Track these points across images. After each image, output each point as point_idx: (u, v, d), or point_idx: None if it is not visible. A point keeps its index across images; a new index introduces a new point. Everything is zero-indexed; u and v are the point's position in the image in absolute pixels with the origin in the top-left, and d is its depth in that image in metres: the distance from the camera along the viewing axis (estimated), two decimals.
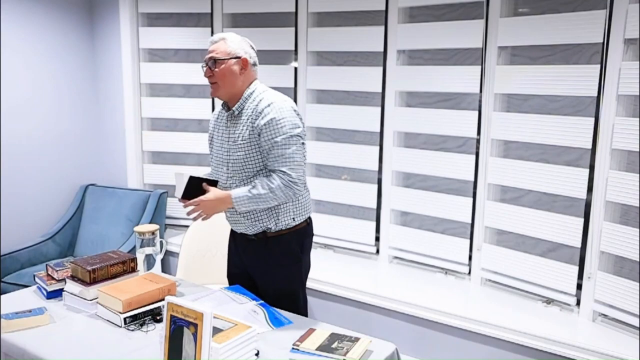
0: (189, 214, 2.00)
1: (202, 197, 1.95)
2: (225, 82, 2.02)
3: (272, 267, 2.11)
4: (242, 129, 2.02)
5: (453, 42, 2.74)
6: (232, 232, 2.25)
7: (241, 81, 2.04)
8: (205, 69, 2.04)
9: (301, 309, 2.18)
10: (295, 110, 2.01)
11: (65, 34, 3.54)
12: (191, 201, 1.96)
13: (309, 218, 2.18)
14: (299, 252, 2.14)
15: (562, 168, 2.49)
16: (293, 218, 2.09)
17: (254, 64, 2.09)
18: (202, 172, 2.20)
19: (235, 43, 2.04)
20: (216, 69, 2.01)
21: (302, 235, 2.15)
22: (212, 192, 1.97)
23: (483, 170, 2.74)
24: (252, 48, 2.10)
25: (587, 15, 2.34)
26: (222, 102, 2.13)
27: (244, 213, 2.05)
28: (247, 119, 2.02)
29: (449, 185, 2.88)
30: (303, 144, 2.01)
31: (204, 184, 1.98)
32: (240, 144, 2.01)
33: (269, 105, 1.98)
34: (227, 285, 2.26)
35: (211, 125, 2.23)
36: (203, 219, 2.01)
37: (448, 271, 2.96)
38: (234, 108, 2.05)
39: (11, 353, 1.75)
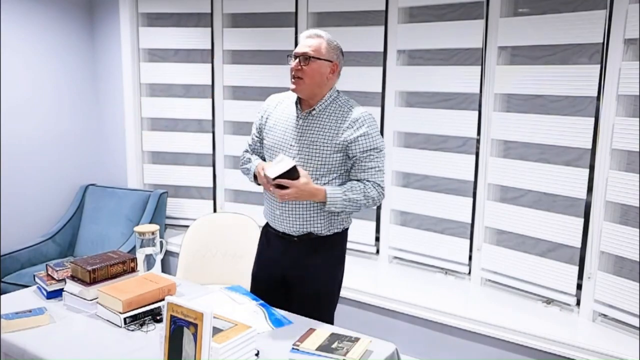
0: (273, 191, 1.89)
1: (297, 183, 1.85)
2: (312, 80, 1.95)
3: (316, 268, 2.07)
4: (325, 132, 1.98)
5: (453, 42, 2.74)
6: (266, 235, 2.19)
7: (325, 84, 2.00)
8: (294, 61, 1.96)
9: (331, 317, 2.17)
10: (377, 124, 2.05)
11: (65, 34, 3.54)
12: (286, 182, 1.85)
13: (349, 224, 2.19)
14: (342, 254, 2.16)
15: (562, 168, 2.49)
16: (342, 225, 2.10)
17: (339, 71, 2.05)
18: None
19: (331, 45, 1.99)
20: (306, 66, 1.94)
21: (342, 240, 2.15)
22: (307, 180, 1.88)
23: (483, 170, 2.74)
24: (342, 54, 2.05)
25: (587, 15, 2.34)
26: (293, 99, 2.06)
27: (300, 214, 2.02)
28: (331, 123, 1.98)
29: (449, 185, 2.88)
30: None
31: (300, 170, 1.89)
32: (322, 146, 1.97)
33: (361, 117, 1.97)
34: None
35: (263, 116, 2.14)
36: (282, 199, 1.91)
37: (448, 271, 2.96)
38: (315, 107, 2.00)
39: (11, 353, 1.75)
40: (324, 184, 1.98)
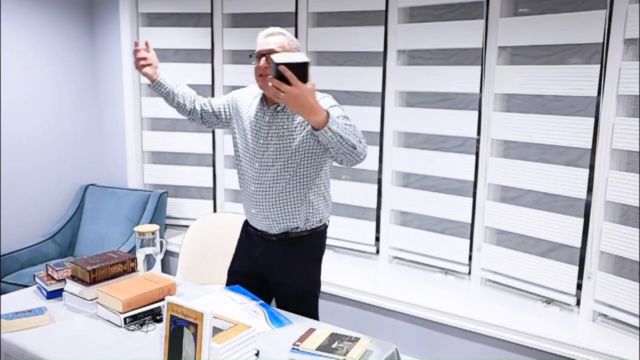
0: (272, 82, 1.64)
1: (304, 85, 1.60)
2: None
3: (294, 267, 2.09)
4: (293, 122, 1.96)
5: (453, 42, 2.74)
6: (246, 233, 2.22)
7: None
8: (260, 60, 1.95)
9: (317, 312, 2.19)
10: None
11: (65, 34, 3.54)
12: (292, 76, 1.59)
13: (328, 220, 2.18)
14: (319, 252, 2.15)
15: (562, 168, 2.49)
16: (320, 219, 2.10)
17: None
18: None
19: (293, 41, 2.00)
20: None
21: (321, 236, 2.15)
22: (313, 91, 1.63)
23: (483, 170, 2.74)
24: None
25: (587, 15, 2.34)
26: (259, 96, 2.07)
27: (276, 210, 2.02)
28: (296, 115, 1.96)
29: (449, 185, 2.88)
30: None
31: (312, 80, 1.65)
32: (289, 141, 1.96)
33: (321, 98, 1.92)
34: (226, 283, 2.26)
35: (233, 104, 2.17)
36: (276, 96, 1.67)
37: (448, 271, 2.96)
38: (280, 103, 1.99)
39: (11, 353, 1.75)
40: (299, 171, 1.99)
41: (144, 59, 2.18)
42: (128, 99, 3.59)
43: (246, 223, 2.22)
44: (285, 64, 1.58)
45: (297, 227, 2.06)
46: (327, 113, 1.66)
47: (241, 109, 2.15)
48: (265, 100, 2.07)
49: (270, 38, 1.98)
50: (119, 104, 3.64)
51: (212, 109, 2.27)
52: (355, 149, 1.77)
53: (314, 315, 2.16)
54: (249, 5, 3.31)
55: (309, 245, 2.10)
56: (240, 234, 2.26)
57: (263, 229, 2.09)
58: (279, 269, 2.11)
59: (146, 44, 2.19)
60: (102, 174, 3.77)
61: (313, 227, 2.08)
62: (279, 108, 2.02)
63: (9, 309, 1.91)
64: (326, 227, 2.17)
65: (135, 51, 2.16)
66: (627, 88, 2.25)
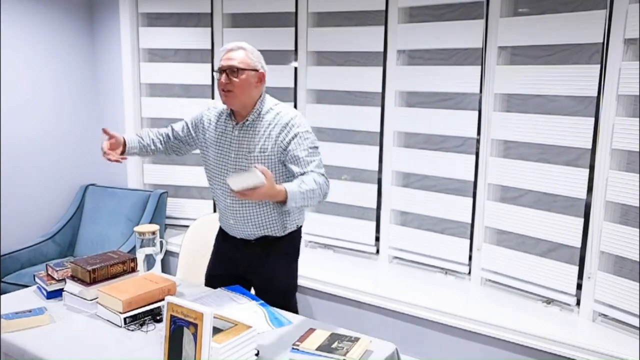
0: (235, 195, 1.79)
1: (260, 190, 1.75)
2: (242, 92, 1.98)
3: (273, 268, 2.16)
4: (261, 141, 2.02)
5: (453, 42, 2.74)
6: (224, 237, 2.26)
7: (255, 93, 2.03)
8: (221, 76, 1.98)
9: (296, 308, 2.26)
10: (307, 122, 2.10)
11: (65, 34, 3.54)
12: (246, 190, 1.74)
13: (303, 222, 2.27)
14: (296, 251, 2.25)
15: (562, 168, 2.49)
16: (297, 225, 2.19)
17: (265, 78, 2.08)
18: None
19: (254, 55, 2.03)
20: (235, 79, 1.97)
21: (297, 237, 2.24)
22: (271, 184, 1.78)
23: (483, 170, 2.74)
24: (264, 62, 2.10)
25: (587, 15, 2.34)
26: (226, 111, 2.11)
27: (254, 221, 2.09)
28: (265, 131, 2.02)
29: (449, 185, 2.88)
30: None
31: (261, 169, 1.80)
32: (258, 155, 2.01)
33: (291, 120, 2.01)
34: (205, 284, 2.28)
35: (201, 126, 2.19)
36: (246, 199, 1.86)
37: (448, 271, 2.96)
38: (248, 118, 2.03)
39: (11, 353, 1.75)
40: (297, 182, 2.00)
41: (112, 149, 2.10)
42: (128, 99, 3.59)
43: (222, 231, 2.27)
44: (240, 190, 1.74)
45: (276, 234, 2.13)
46: (286, 193, 1.82)
47: (209, 127, 2.17)
48: (233, 115, 2.09)
49: (231, 53, 2.01)
50: (119, 104, 3.63)
51: (176, 136, 2.28)
52: (320, 196, 1.95)
53: (294, 312, 2.21)
54: (249, 5, 3.30)
55: (286, 246, 2.19)
56: (216, 239, 2.32)
57: (242, 237, 2.16)
58: (259, 270, 2.17)
59: (104, 131, 2.11)
60: (102, 174, 3.77)
61: (290, 231, 2.16)
62: (247, 123, 2.05)
63: (9, 309, 1.91)
64: (300, 228, 2.25)
65: (105, 153, 2.07)
66: (627, 88, 2.25)
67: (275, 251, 2.15)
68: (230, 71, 1.97)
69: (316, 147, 2.02)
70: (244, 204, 2.07)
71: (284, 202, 1.84)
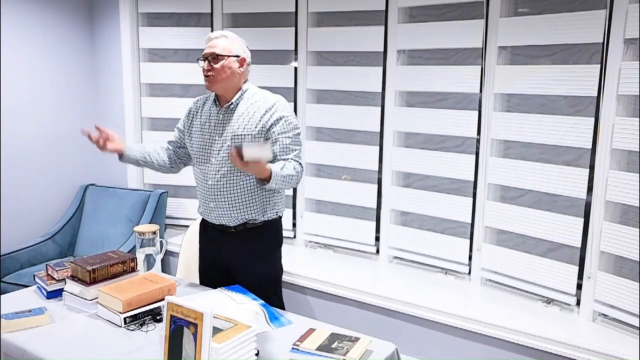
0: (234, 159, 1.91)
1: (256, 162, 1.90)
2: (223, 77, 2.12)
3: (254, 256, 2.21)
4: (244, 122, 2.13)
5: (453, 42, 2.74)
6: (204, 229, 2.32)
7: (237, 78, 2.16)
8: (204, 62, 2.13)
9: (281, 300, 2.30)
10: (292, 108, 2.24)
11: (65, 34, 3.54)
12: (254, 165, 1.89)
13: (282, 212, 2.32)
14: (277, 240, 2.30)
15: (562, 168, 2.49)
16: (276, 212, 2.23)
17: (249, 64, 2.21)
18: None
19: (236, 42, 2.15)
20: (216, 65, 2.10)
21: (277, 226, 2.28)
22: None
23: (483, 170, 2.74)
24: (248, 49, 2.22)
25: (587, 15, 2.34)
26: (212, 98, 2.24)
27: (234, 204, 2.14)
28: (249, 113, 2.13)
29: (449, 185, 2.88)
30: None
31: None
32: (242, 134, 2.12)
33: (275, 103, 2.13)
34: (199, 283, 2.29)
35: (187, 119, 2.32)
36: (240, 167, 1.95)
37: (448, 271, 2.96)
38: (232, 101, 2.15)
39: (11, 353, 1.75)
40: (280, 166, 2.09)
41: (104, 138, 2.19)
42: (128, 99, 3.59)
43: (203, 222, 2.33)
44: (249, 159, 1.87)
45: (255, 219, 2.16)
46: (271, 172, 1.96)
47: (195, 115, 2.29)
48: (217, 100, 2.21)
49: (213, 41, 2.15)
50: (119, 104, 3.64)
51: (176, 144, 2.41)
52: (295, 182, 2.11)
53: (280, 304, 2.28)
54: (249, 5, 3.30)
55: (266, 235, 2.23)
56: (199, 234, 2.37)
57: (222, 222, 2.19)
58: (240, 259, 2.21)
59: (96, 127, 2.22)
60: (102, 174, 3.77)
61: (269, 218, 2.20)
62: (231, 106, 2.16)
63: (9, 309, 1.91)
64: (280, 217, 2.30)
65: (90, 137, 2.18)
66: (627, 88, 2.25)
67: (254, 240, 2.20)
68: (212, 58, 2.11)
69: (298, 134, 2.16)
70: (226, 186, 2.13)
71: (267, 180, 1.98)
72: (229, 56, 2.11)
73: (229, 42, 2.13)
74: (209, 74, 2.12)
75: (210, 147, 2.18)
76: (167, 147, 2.43)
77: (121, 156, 2.25)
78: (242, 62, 2.15)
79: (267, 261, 2.25)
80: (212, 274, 2.30)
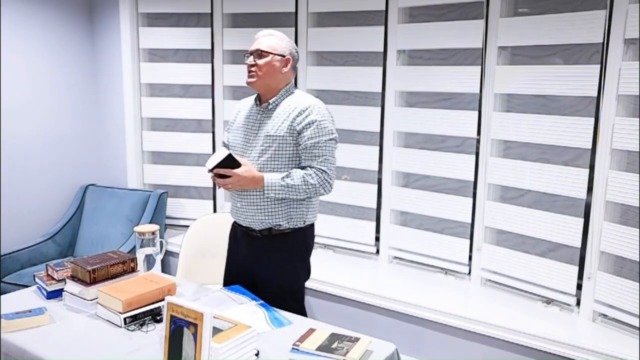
0: (216, 181, 2.03)
1: (236, 171, 1.99)
2: (265, 74, 2.08)
3: (276, 264, 2.13)
4: (278, 123, 2.08)
5: (453, 42, 2.74)
6: (234, 231, 2.27)
7: (280, 78, 2.11)
8: (249, 58, 2.10)
9: (304, 309, 2.21)
10: (331, 115, 2.12)
11: (65, 34, 3.54)
12: (225, 171, 1.98)
13: (314, 220, 2.23)
14: (305, 250, 2.21)
15: (562, 168, 2.49)
16: (304, 221, 2.14)
17: (294, 67, 2.17)
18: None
19: (283, 42, 2.12)
20: (259, 61, 2.07)
21: (306, 235, 2.19)
22: (248, 168, 2.01)
23: (483, 170, 2.74)
24: (296, 52, 2.17)
25: (587, 15, 2.34)
26: (254, 96, 2.19)
27: (259, 206, 2.09)
28: (284, 115, 2.08)
29: (449, 185, 2.88)
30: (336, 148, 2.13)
31: (240, 158, 2.03)
32: (274, 136, 2.06)
33: (310, 106, 2.06)
34: (223, 285, 2.27)
35: (234, 117, 2.27)
36: (225, 188, 2.05)
37: (448, 271, 2.96)
38: (270, 101, 2.11)
39: (11, 353, 1.75)
40: (281, 168, 2.06)
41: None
42: (128, 99, 3.59)
43: (234, 223, 2.28)
44: (217, 166, 1.96)
45: (279, 225, 2.10)
46: (264, 182, 2.00)
47: (238, 115, 2.25)
48: (258, 98, 2.17)
49: (260, 39, 2.12)
50: (119, 104, 3.64)
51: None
52: (309, 197, 2.08)
53: (302, 313, 2.19)
54: (249, 5, 3.30)
55: (292, 243, 2.15)
56: (230, 235, 2.32)
57: (247, 224, 2.15)
58: (262, 265, 2.16)
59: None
60: (102, 174, 3.77)
61: (296, 225, 2.13)
62: (269, 107, 2.12)
63: (9, 309, 1.91)
64: (312, 225, 2.22)
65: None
66: (627, 88, 2.25)
67: (279, 246, 2.13)
68: (256, 54, 2.08)
69: (331, 140, 2.07)
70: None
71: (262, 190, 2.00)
72: (273, 54, 2.08)
73: (276, 40, 2.10)
74: (252, 69, 2.08)
75: (245, 145, 2.14)
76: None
77: None
78: (286, 62, 2.10)
79: (289, 270, 2.16)
80: (236, 277, 2.24)
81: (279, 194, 2.01)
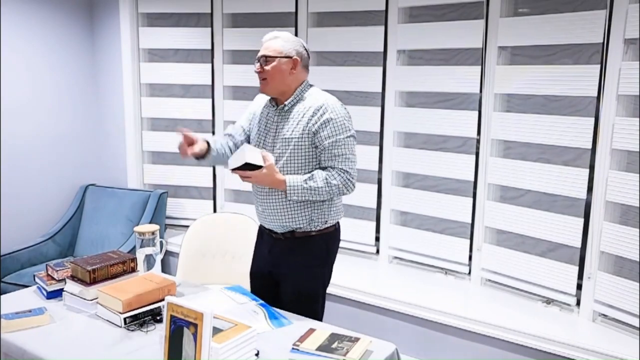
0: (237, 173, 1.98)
1: (256, 172, 1.94)
2: (274, 79, 2.03)
3: (297, 267, 2.10)
4: (294, 125, 2.03)
5: (453, 42, 2.74)
6: (260, 231, 2.24)
7: (290, 80, 2.05)
8: (257, 65, 2.07)
9: (319, 314, 2.17)
10: (348, 113, 2.07)
11: (65, 34, 3.54)
12: (245, 173, 1.95)
13: (338, 222, 2.18)
14: (325, 255, 2.15)
15: (562, 168, 2.49)
16: (326, 221, 2.10)
17: (305, 66, 2.11)
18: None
19: (288, 43, 2.06)
20: (267, 67, 2.03)
21: (330, 238, 2.15)
22: (270, 170, 1.96)
23: (483, 170, 2.74)
24: (305, 50, 2.11)
25: (587, 15, 2.34)
26: (269, 97, 2.14)
27: (280, 209, 2.06)
28: (299, 116, 2.04)
29: (449, 185, 2.88)
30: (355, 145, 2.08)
31: (265, 154, 1.98)
32: (290, 139, 2.02)
33: (324, 105, 2.01)
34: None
35: (252, 118, 2.23)
36: (243, 180, 2.01)
37: (448, 271, 2.96)
38: (285, 103, 2.06)
39: (11, 353, 1.75)
40: (301, 170, 2.02)
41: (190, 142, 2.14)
42: (128, 99, 3.59)
43: (261, 225, 2.24)
44: (236, 168, 1.94)
45: (301, 227, 2.06)
46: (286, 184, 1.97)
47: (255, 114, 2.21)
48: (275, 100, 2.12)
49: (266, 43, 2.08)
50: (119, 104, 3.64)
51: (235, 143, 2.25)
52: (331, 199, 2.06)
53: (316, 318, 2.13)
54: (249, 5, 3.30)
55: (315, 246, 2.10)
56: (257, 235, 2.28)
57: (270, 227, 2.12)
58: (283, 267, 2.12)
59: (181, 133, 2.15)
60: (102, 174, 3.77)
61: (319, 228, 2.08)
62: (285, 108, 2.07)
63: (9, 309, 1.91)
64: (336, 229, 2.16)
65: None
66: (627, 88, 2.25)
67: (299, 250, 2.09)
68: (263, 60, 2.04)
69: (349, 137, 2.01)
70: (272, 189, 2.05)
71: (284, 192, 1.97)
72: (279, 57, 2.02)
73: (281, 43, 2.04)
74: (261, 76, 2.05)
75: (263, 147, 2.10)
76: (232, 142, 2.27)
77: (205, 155, 2.17)
78: (294, 63, 2.04)
79: (307, 273, 2.10)
80: (259, 278, 2.22)
81: (301, 196, 1.97)
